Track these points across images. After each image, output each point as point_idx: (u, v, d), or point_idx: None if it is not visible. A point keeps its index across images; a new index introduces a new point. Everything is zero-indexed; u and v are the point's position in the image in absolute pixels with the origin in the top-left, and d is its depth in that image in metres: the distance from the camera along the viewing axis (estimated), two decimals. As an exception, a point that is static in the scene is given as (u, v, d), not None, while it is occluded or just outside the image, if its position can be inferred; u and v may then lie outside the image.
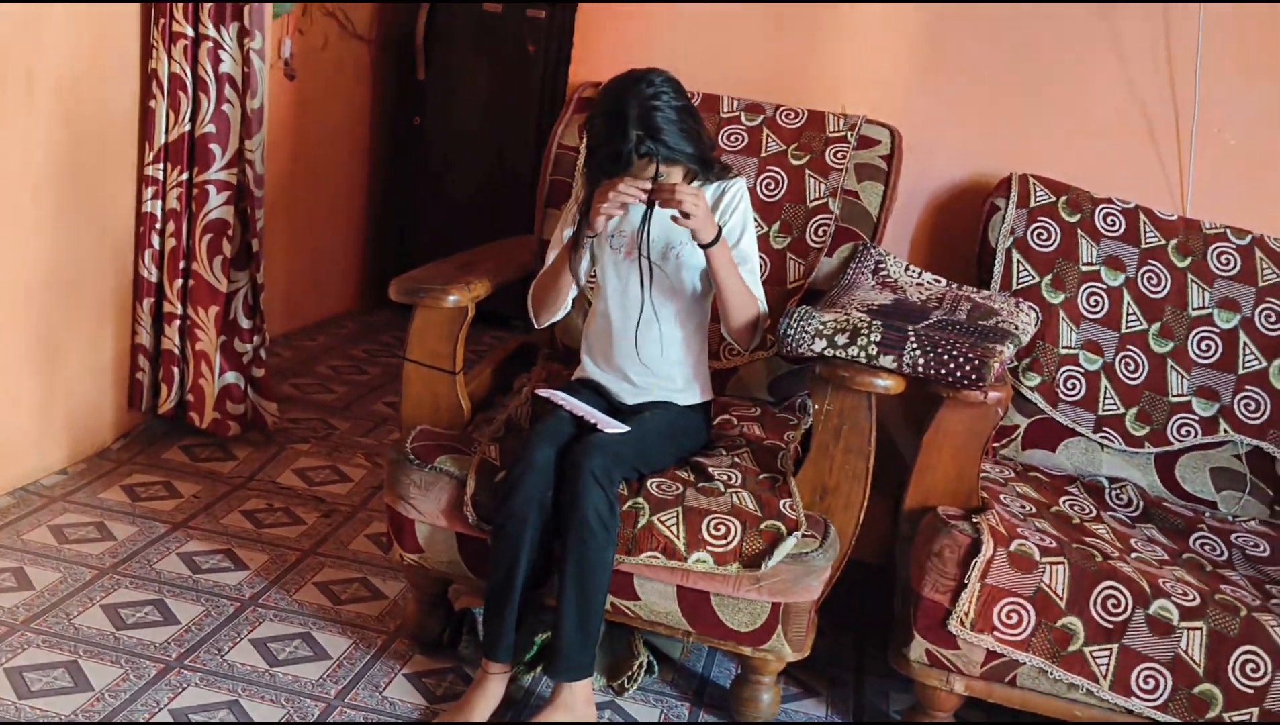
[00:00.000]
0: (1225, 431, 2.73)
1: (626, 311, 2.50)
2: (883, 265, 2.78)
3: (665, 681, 2.63)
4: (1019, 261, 2.81)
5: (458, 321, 2.54)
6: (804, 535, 2.30)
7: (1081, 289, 2.80)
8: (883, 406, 2.40)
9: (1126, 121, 2.96)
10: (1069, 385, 2.76)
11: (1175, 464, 2.75)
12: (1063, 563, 2.25)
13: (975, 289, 2.74)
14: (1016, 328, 2.45)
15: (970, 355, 2.24)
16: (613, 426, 2.38)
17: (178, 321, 3.34)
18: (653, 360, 2.53)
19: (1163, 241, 2.83)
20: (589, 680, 2.34)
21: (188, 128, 3.24)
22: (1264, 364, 2.74)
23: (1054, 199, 2.86)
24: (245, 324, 3.43)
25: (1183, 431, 2.75)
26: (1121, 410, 2.76)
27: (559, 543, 2.29)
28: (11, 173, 2.90)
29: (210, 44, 3.18)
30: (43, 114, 2.95)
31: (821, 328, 2.30)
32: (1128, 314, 2.79)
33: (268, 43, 3.31)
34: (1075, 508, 2.57)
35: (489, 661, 2.34)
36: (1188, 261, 2.81)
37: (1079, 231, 2.83)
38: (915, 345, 2.26)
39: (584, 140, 2.59)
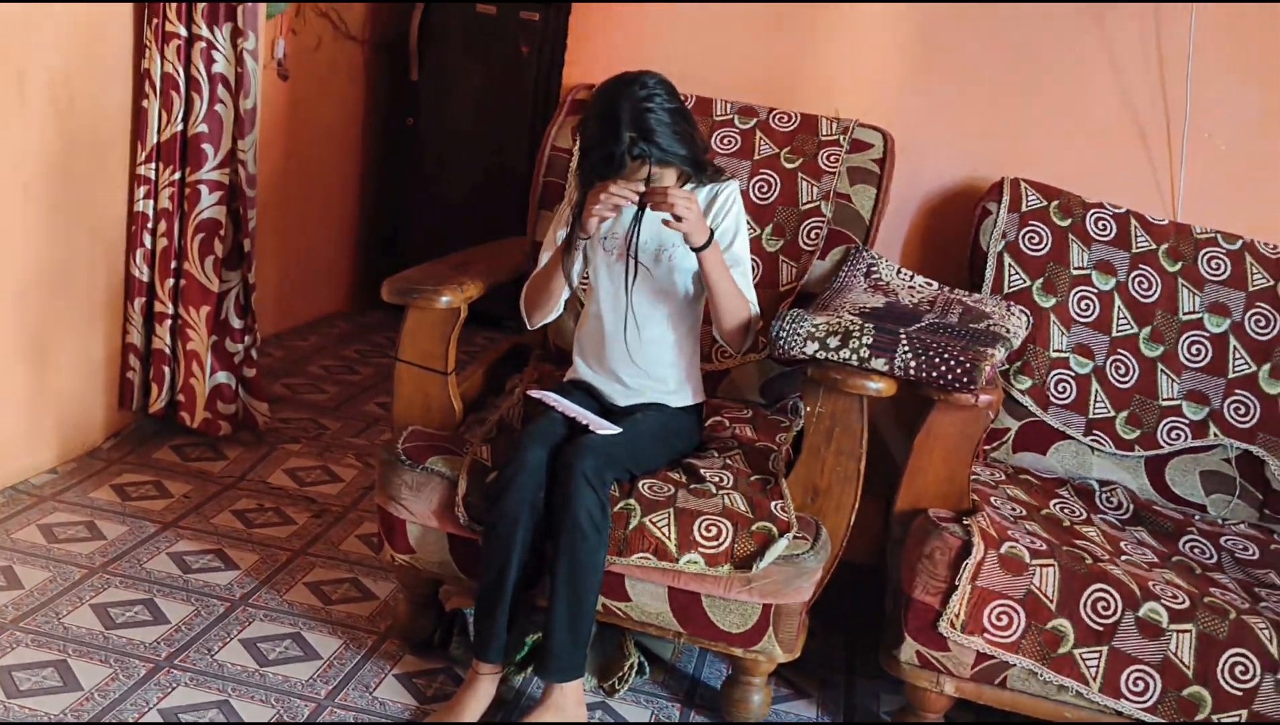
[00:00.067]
0: (1215, 435, 2.74)
1: (618, 313, 2.51)
2: (875, 268, 2.79)
3: (656, 682, 2.63)
4: (1010, 265, 2.82)
5: (450, 322, 2.54)
6: (795, 537, 2.30)
7: (1072, 293, 2.81)
8: (874, 409, 2.40)
9: (1118, 126, 2.98)
10: (1060, 388, 2.77)
11: (1165, 467, 2.76)
12: (1053, 565, 2.26)
13: (967, 292, 2.75)
14: (1008, 331, 2.45)
15: (961, 358, 2.25)
16: (605, 428, 2.38)
17: (169, 321, 3.34)
18: (644, 362, 2.53)
19: (1153, 246, 2.84)
20: (580, 681, 2.34)
21: (180, 127, 3.23)
22: (1254, 368, 2.75)
23: (1045, 203, 2.87)
24: (237, 324, 3.42)
25: (1173, 435, 2.76)
26: (1112, 414, 2.77)
27: (550, 544, 2.29)
28: (3, 171, 2.89)
29: (203, 44, 3.17)
30: (35, 113, 2.94)
31: (813, 330, 2.30)
32: (1118, 318, 2.80)
33: (261, 43, 3.30)
34: (1066, 510, 2.57)
35: (480, 662, 2.34)
36: (1178, 266, 2.82)
37: (1070, 236, 2.84)
38: (907, 348, 2.27)
39: (577, 142, 2.59)
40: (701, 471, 2.41)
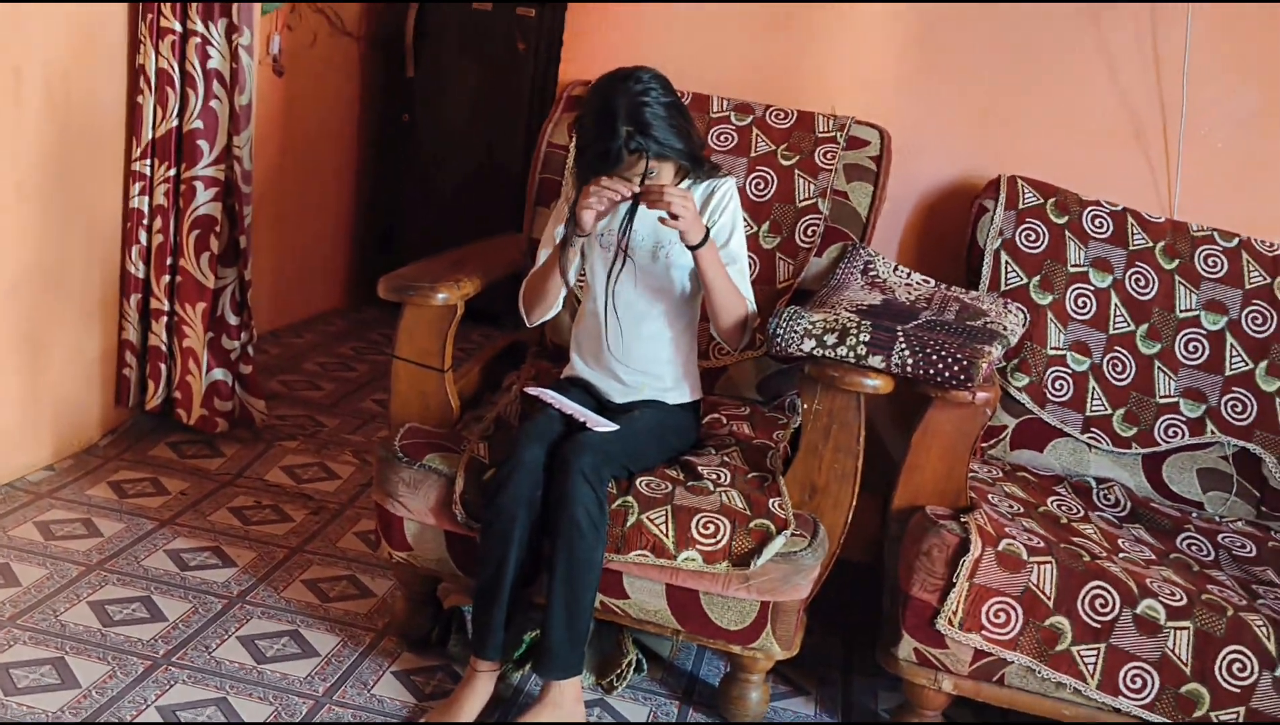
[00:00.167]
0: (1212, 432, 2.74)
1: (615, 310, 2.50)
2: (872, 265, 2.79)
3: (654, 680, 2.63)
4: (1007, 262, 2.82)
5: (447, 319, 2.54)
6: (793, 534, 2.30)
7: (1069, 290, 2.81)
8: (871, 406, 2.41)
9: (1114, 124, 2.98)
10: (1057, 386, 2.78)
11: (1162, 465, 2.77)
12: (1050, 562, 2.26)
13: (964, 290, 2.75)
14: (1005, 328, 2.46)
15: (959, 356, 2.25)
16: (602, 425, 2.38)
17: (165, 318, 3.33)
18: (638, 358, 2.53)
19: (1150, 244, 2.84)
20: (578, 678, 2.34)
21: (175, 123, 3.23)
22: (1250, 366, 2.76)
23: (1042, 201, 2.87)
24: (233, 320, 3.42)
25: (1170, 432, 2.76)
26: (1109, 411, 2.77)
27: (548, 541, 2.29)
28: (-2, 167, 2.89)
29: (198, 40, 3.17)
30: (30, 109, 2.94)
31: (810, 327, 2.30)
32: (1115, 315, 2.81)
33: (256, 39, 3.30)
34: (1063, 508, 2.58)
35: (478, 659, 2.33)
36: (1175, 263, 2.83)
37: (1067, 233, 2.84)
38: (904, 345, 2.27)
39: (573, 139, 2.58)
40: (699, 469, 2.41)
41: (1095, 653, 2.22)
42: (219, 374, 3.42)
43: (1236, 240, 2.84)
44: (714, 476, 2.39)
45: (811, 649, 2.60)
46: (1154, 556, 2.44)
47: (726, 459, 2.48)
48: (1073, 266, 2.82)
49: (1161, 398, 2.77)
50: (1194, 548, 2.54)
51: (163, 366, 3.36)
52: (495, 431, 2.51)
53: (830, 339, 2.29)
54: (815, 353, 2.30)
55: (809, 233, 2.87)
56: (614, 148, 2.30)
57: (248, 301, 3.44)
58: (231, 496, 3.20)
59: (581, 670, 2.35)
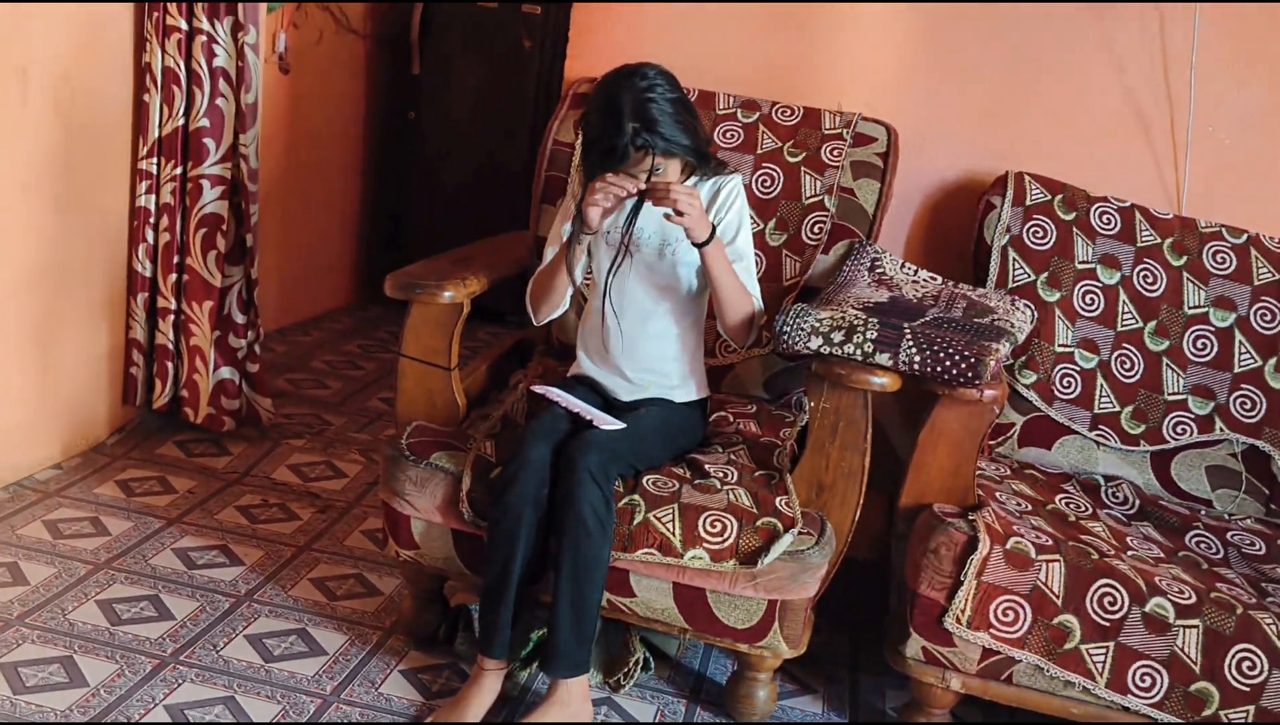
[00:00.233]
0: (1221, 430, 2.73)
1: (621, 307, 2.50)
2: (879, 263, 2.78)
3: (661, 678, 2.63)
4: (1015, 259, 2.82)
5: (453, 317, 2.53)
6: (800, 532, 2.30)
7: (1077, 287, 2.80)
8: (878, 403, 2.40)
9: (1122, 120, 2.97)
10: (1065, 383, 2.77)
11: (1171, 462, 2.76)
12: (1059, 560, 2.25)
13: (971, 287, 2.75)
14: (1012, 326, 2.45)
15: (966, 353, 2.24)
16: (609, 423, 2.37)
17: (172, 316, 3.33)
18: (643, 356, 2.52)
19: (1158, 240, 2.83)
20: (585, 677, 2.33)
21: (182, 122, 3.23)
22: (1259, 362, 2.75)
23: (1050, 197, 2.86)
24: (239, 319, 3.42)
25: (1178, 430, 2.75)
26: (1117, 408, 2.76)
27: (555, 539, 2.28)
28: (4, 167, 2.89)
29: (204, 38, 3.17)
30: (36, 108, 2.94)
31: (817, 325, 2.30)
32: (1123, 312, 2.80)
33: (262, 37, 3.30)
34: (1071, 505, 2.57)
35: (485, 658, 2.33)
36: (1183, 260, 2.82)
37: (1075, 230, 2.83)
38: (911, 343, 2.26)
39: (579, 136, 2.58)
40: (706, 467, 2.41)
41: (1104, 651, 2.21)
42: (226, 372, 3.42)
43: (1245, 236, 2.83)
44: (721, 475, 2.38)
45: (819, 647, 2.60)
46: (1163, 554, 2.44)
47: (733, 457, 2.48)
48: (1080, 263, 2.81)
49: (1170, 395, 2.76)
50: (1203, 545, 2.54)
51: (170, 365, 3.36)
52: (502, 430, 2.51)
53: (837, 336, 2.28)
54: (822, 350, 2.29)
55: (815, 230, 2.87)
56: (620, 144, 2.30)
57: (254, 300, 3.44)
58: (239, 495, 3.21)
59: (589, 669, 2.35)
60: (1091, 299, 2.80)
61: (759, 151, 2.94)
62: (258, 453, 3.47)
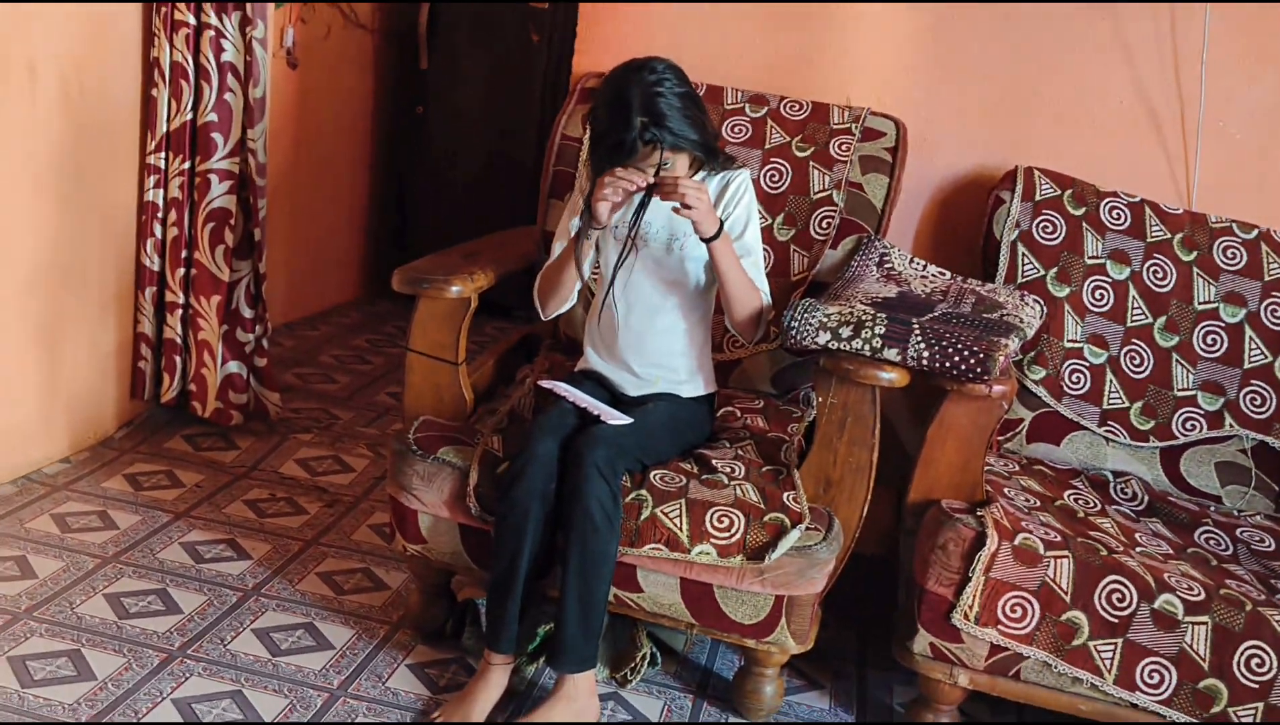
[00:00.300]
0: (1231, 426, 2.72)
1: (629, 302, 2.50)
2: (887, 258, 2.78)
3: (668, 673, 2.63)
4: (1024, 254, 2.81)
5: (461, 312, 2.53)
6: (808, 528, 2.29)
7: (1087, 282, 2.79)
8: (886, 399, 2.39)
9: (1132, 115, 2.96)
10: (1074, 379, 2.76)
11: (1180, 458, 2.75)
12: (1067, 557, 2.24)
13: (980, 282, 2.74)
14: (1021, 321, 2.44)
15: (975, 348, 2.23)
16: (616, 418, 2.37)
17: (180, 311, 3.34)
18: (652, 350, 2.52)
19: (1168, 235, 2.82)
20: (592, 672, 2.33)
21: (190, 116, 3.23)
22: (1270, 358, 2.74)
23: (1059, 192, 2.85)
24: (247, 313, 3.42)
25: (1188, 426, 2.74)
26: (1126, 404, 2.75)
27: (562, 534, 2.28)
28: (13, 162, 2.89)
29: (212, 33, 3.17)
30: (44, 103, 2.94)
31: (825, 320, 2.29)
32: (1133, 308, 2.79)
33: (270, 32, 3.30)
34: (1080, 502, 2.56)
35: (492, 653, 2.33)
36: (1193, 255, 2.80)
37: (1084, 225, 2.82)
38: (920, 338, 2.25)
39: (587, 131, 2.58)
40: (713, 462, 2.41)
41: (1112, 647, 2.21)
42: (234, 367, 3.43)
43: (1255, 232, 2.82)
44: (728, 470, 2.38)
45: (826, 643, 2.60)
46: (1172, 551, 2.43)
47: (741, 452, 2.48)
48: (1090, 258, 2.80)
49: (1179, 391, 2.75)
50: (1212, 542, 2.53)
51: (178, 359, 3.37)
52: (509, 425, 2.51)
53: (845, 332, 2.28)
54: (830, 346, 2.29)
55: (824, 225, 2.86)
56: (628, 139, 2.29)
57: (262, 294, 3.44)
58: (246, 489, 3.21)
59: (596, 664, 2.35)
60: (1101, 294, 2.79)
61: (767, 146, 2.93)
62: (265, 447, 3.48)
